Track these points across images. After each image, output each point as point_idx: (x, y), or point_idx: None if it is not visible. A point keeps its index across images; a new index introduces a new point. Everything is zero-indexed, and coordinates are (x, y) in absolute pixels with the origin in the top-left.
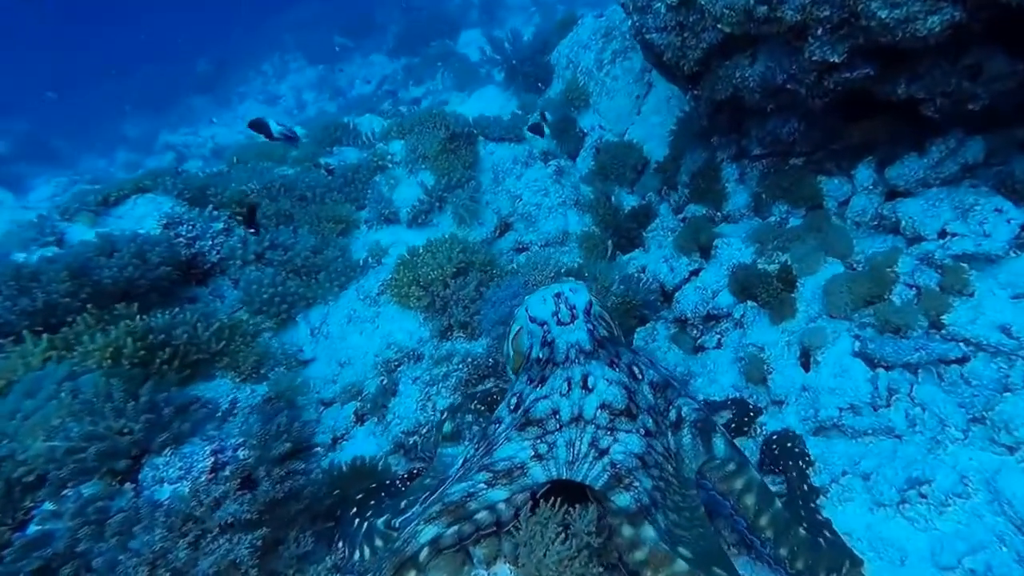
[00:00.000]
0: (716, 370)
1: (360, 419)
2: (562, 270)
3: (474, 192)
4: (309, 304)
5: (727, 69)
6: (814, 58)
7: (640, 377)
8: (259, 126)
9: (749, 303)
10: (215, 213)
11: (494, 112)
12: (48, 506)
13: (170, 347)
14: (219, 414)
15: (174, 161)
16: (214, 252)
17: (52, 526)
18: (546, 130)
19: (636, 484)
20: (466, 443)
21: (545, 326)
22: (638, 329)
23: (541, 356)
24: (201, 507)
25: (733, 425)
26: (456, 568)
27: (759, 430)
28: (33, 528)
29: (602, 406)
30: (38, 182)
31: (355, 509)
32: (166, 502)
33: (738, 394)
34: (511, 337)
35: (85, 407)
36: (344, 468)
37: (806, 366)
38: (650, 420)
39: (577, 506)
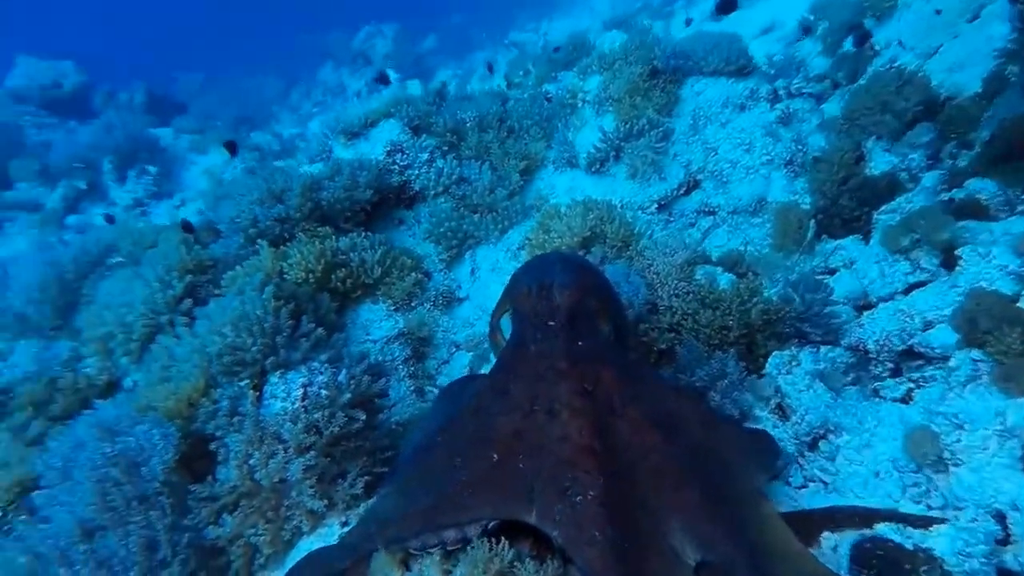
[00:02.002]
0: (878, 432)
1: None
2: (708, 254)
3: (658, 141)
4: (477, 243)
5: None
6: None
7: (619, 412)
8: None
9: (974, 351)
10: (425, 143)
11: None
12: (219, 392)
13: (345, 268)
14: (332, 348)
15: (517, 58)
16: (418, 181)
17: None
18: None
19: (597, 537)
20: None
21: (523, 322)
22: (776, 351)
23: (511, 353)
24: (282, 428)
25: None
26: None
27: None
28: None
29: (563, 437)
30: (442, 73)
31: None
32: (264, 416)
33: (897, 473)
34: (497, 313)
35: (238, 318)
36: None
37: None
38: (622, 460)
39: (530, 558)
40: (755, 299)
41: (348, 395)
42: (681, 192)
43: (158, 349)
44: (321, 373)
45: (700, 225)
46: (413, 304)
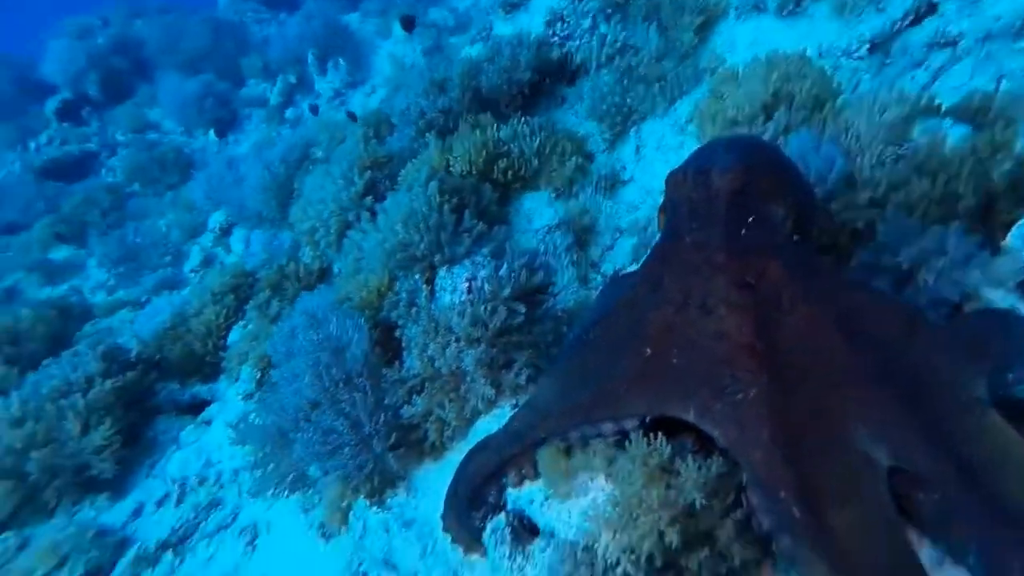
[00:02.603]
0: None
1: (636, 261)
2: (936, 102)
3: None
4: (643, 118)
5: None
6: None
7: (786, 308)
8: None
9: None
10: (587, 7)
11: None
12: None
13: (506, 159)
14: (494, 240)
15: None
16: (579, 53)
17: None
18: None
19: (763, 438)
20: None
21: (678, 210)
22: None
23: (664, 244)
24: (452, 319)
25: None
26: (558, 457)
27: None
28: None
29: (719, 335)
30: None
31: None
32: (436, 309)
33: None
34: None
35: (407, 215)
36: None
37: None
38: (790, 361)
39: (691, 454)
40: (1000, 155)
41: (508, 289)
42: (907, 23)
43: (349, 243)
44: (484, 267)
45: (930, 63)
46: (575, 190)
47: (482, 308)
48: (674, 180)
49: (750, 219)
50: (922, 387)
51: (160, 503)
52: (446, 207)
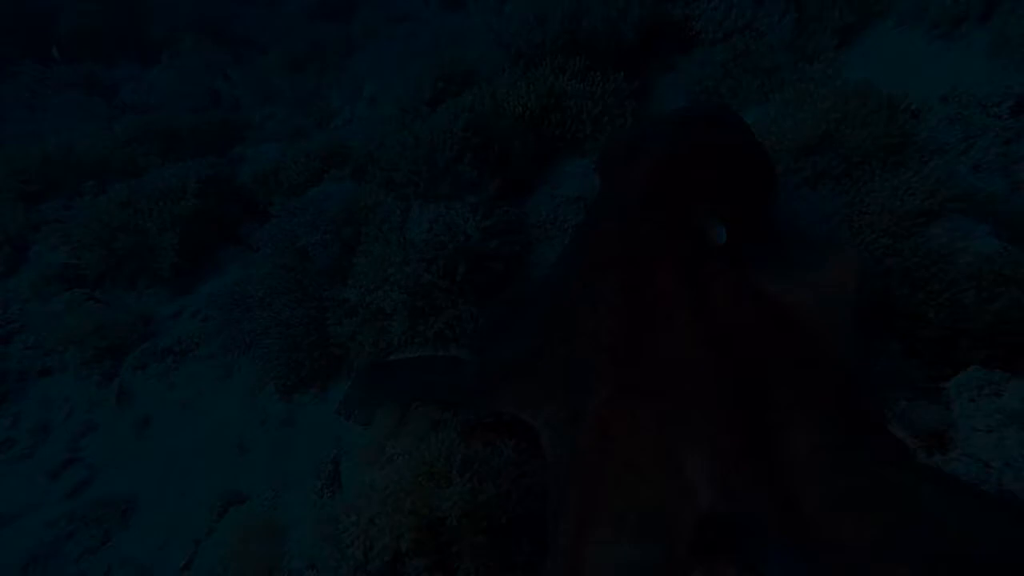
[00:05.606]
0: None
1: None
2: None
3: None
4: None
5: None
6: None
7: (659, 318)
8: None
9: None
10: None
11: None
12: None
13: (560, 114)
14: (482, 192)
15: None
16: (701, 20)
17: None
18: None
19: (566, 457)
20: None
21: (604, 184)
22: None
23: (581, 225)
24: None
25: None
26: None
27: None
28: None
29: (593, 334)
30: None
31: None
32: (404, 237)
33: None
34: None
35: (406, 139)
36: None
37: None
38: (649, 375)
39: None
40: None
41: (453, 245)
42: None
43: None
44: (454, 213)
45: None
46: None
47: (432, 254)
48: (608, 151)
49: (663, 215)
50: (788, 426)
51: (194, 315)
52: (447, 143)
